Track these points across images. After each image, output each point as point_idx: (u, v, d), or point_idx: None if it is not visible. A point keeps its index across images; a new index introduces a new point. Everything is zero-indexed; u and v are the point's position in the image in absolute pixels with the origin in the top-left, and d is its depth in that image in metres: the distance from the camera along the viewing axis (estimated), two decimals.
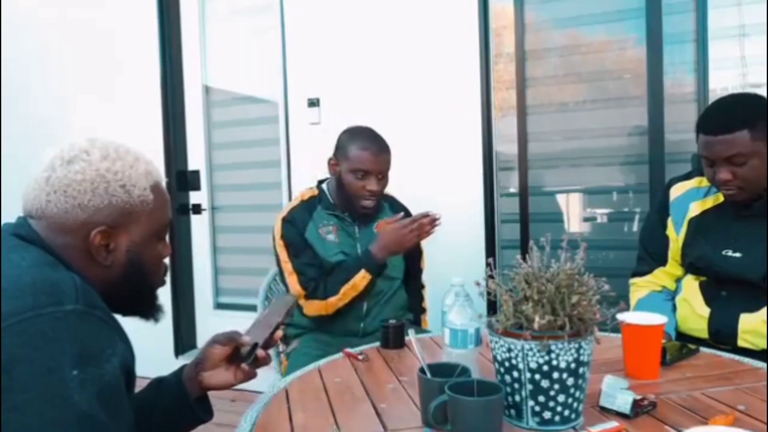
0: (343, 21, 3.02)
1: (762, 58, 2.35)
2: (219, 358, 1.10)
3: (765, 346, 1.50)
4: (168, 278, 1.32)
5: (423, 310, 2.13)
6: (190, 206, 3.54)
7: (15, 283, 0.81)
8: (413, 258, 2.10)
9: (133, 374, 0.91)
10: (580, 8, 2.73)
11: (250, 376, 1.11)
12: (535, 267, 1.02)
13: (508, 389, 1.02)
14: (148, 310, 1.05)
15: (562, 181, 2.83)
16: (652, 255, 1.78)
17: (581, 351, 0.99)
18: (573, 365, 0.98)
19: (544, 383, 0.98)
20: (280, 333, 1.16)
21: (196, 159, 3.54)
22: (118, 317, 0.92)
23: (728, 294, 1.59)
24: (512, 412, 1.03)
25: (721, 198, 1.62)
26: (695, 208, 1.68)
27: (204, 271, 3.57)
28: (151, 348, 2.13)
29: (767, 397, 1.12)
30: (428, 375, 1.04)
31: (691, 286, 1.67)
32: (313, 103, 3.08)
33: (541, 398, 0.99)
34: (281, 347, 1.97)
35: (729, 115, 1.52)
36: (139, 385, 0.99)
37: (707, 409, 1.08)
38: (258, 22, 3.35)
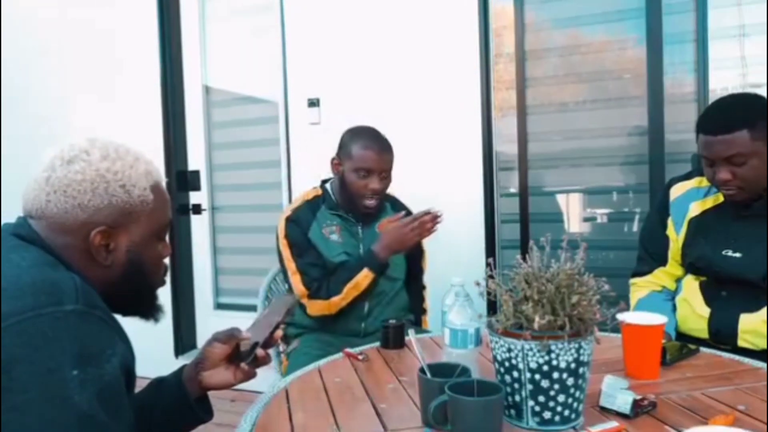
0: (343, 21, 3.02)
1: (762, 58, 2.35)
2: (219, 358, 1.10)
3: (765, 346, 1.50)
4: (168, 278, 1.33)
5: (424, 311, 2.13)
6: (190, 206, 3.54)
7: (15, 283, 0.81)
8: (415, 258, 2.10)
9: (133, 374, 0.91)
10: (580, 8, 2.73)
11: (250, 375, 1.11)
12: (535, 267, 1.02)
13: (508, 389, 1.02)
14: (148, 310, 1.05)
15: (562, 181, 2.83)
16: (652, 255, 1.78)
17: (581, 351, 0.99)
18: (573, 365, 0.98)
19: (544, 383, 0.98)
20: (280, 333, 1.16)
21: (196, 159, 3.54)
22: (118, 317, 0.92)
23: (728, 294, 1.59)
24: (512, 412, 1.03)
25: (721, 198, 1.62)
26: (695, 208, 1.68)
27: (204, 271, 3.57)
28: (151, 348, 2.13)
29: (767, 397, 1.12)
30: (428, 375, 1.04)
31: (691, 286, 1.67)
32: (313, 103, 3.08)
33: (541, 398, 0.99)
34: (281, 347, 1.97)
35: (729, 115, 1.52)
36: (139, 385, 0.99)
37: (707, 409, 1.08)
38: (258, 22, 3.35)
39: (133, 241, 0.95)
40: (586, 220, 2.83)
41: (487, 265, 1.09)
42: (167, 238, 1.05)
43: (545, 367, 0.98)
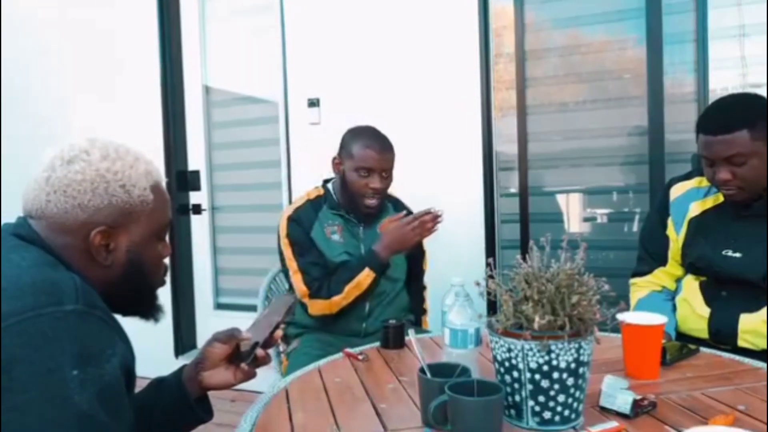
0: (343, 21, 3.02)
1: (762, 58, 2.35)
2: (219, 358, 1.10)
3: (765, 346, 1.50)
4: (168, 278, 1.32)
5: (424, 311, 2.13)
6: (190, 206, 3.54)
7: (15, 283, 0.81)
8: (416, 259, 2.10)
9: (133, 374, 0.91)
10: (580, 8, 2.73)
11: (250, 375, 1.11)
12: (535, 267, 1.02)
13: (508, 389, 1.02)
14: (148, 310, 1.05)
15: (562, 181, 2.83)
16: (652, 255, 1.78)
17: (581, 351, 0.99)
18: (573, 365, 0.98)
19: (544, 383, 0.98)
20: (280, 332, 1.16)
21: (196, 159, 3.54)
22: (118, 317, 0.92)
23: (728, 294, 1.59)
24: (512, 412, 1.03)
25: (721, 198, 1.62)
26: (695, 208, 1.68)
27: (204, 271, 3.57)
28: (151, 348, 2.13)
29: (767, 397, 1.12)
30: (428, 375, 1.04)
31: (691, 286, 1.67)
32: (313, 103, 3.08)
33: (541, 398, 0.99)
34: (281, 347, 1.97)
35: (729, 115, 1.52)
36: (139, 385, 0.99)
37: (707, 409, 1.08)
38: (258, 22, 3.35)
39: (133, 241, 0.95)
40: (586, 220, 2.83)
41: (487, 265, 1.09)
42: (167, 238, 1.05)
43: (545, 367, 0.98)
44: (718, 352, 1.44)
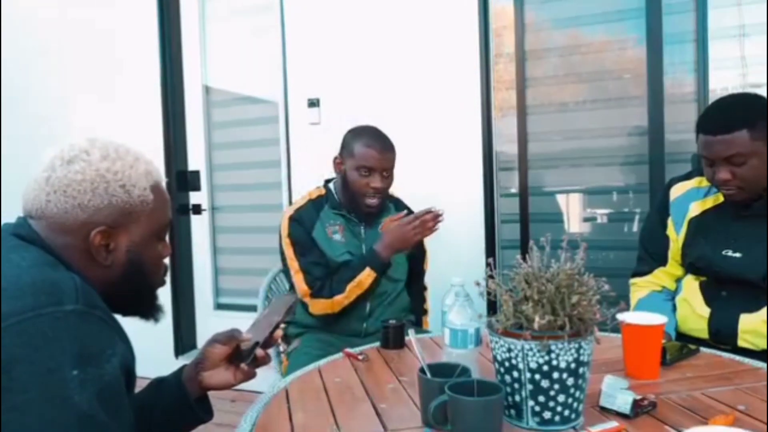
0: (343, 21, 3.02)
1: (762, 58, 2.35)
2: (219, 358, 1.10)
3: (765, 346, 1.50)
4: (168, 278, 1.32)
5: (425, 312, 2.13)
6: (190, 206, 3.54)
7: (15, 283, 0.81)
8: (417, 259, 2.10)
9: (133, 374, 0.91)
10: (580, 8, 2.73)
11: (250, 375, 1.11)
12: (535, 267, 1.02)
13: (508, 389, 1.02)
14: (148, 310, 1.05)
15: (562, 181, 2.83)
16: (652, 255, 1.78)
17: (581, 351, 0.99)
18: (573, 365, 0.98)
19: (544, 383, 0.98)
20: (279, 332, 1.16)
21: (196, 159, 3.54)
22: (118, 317, 0.92)
23: (728, 294, 1.59)
24: (512, 412, 1.03)
25: (721, 198, 1.62)
26: (695, 208, 1.68)
27: (204, 271, 3.57)
28: (151, 348, 2.13)
29: (767, 397, 1.12)
30: (428, 375, 1.04)
31: (691, 286, 1.67)
32: (313, 103, 3.08)
33: (541, 398, 0.99)
34: (282, 347, 1.97)
35: (728, 115, 1.52)
36: (139, 385, 0.99)
37: (707, 409, 1.08)
38: (258, 22, 3.35)
39: (133, 241, 0.95)
40: (586, 220, 2.83)
41: (487, 265, 1.09)
42: (167, 238, 1.05)
43: (545, 367, 0.98)
44: (718, 352, 1.44)
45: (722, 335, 1.57)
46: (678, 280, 1.74)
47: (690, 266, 1.68)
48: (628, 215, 2.74)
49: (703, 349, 1.44)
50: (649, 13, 2.56)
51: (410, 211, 2.07)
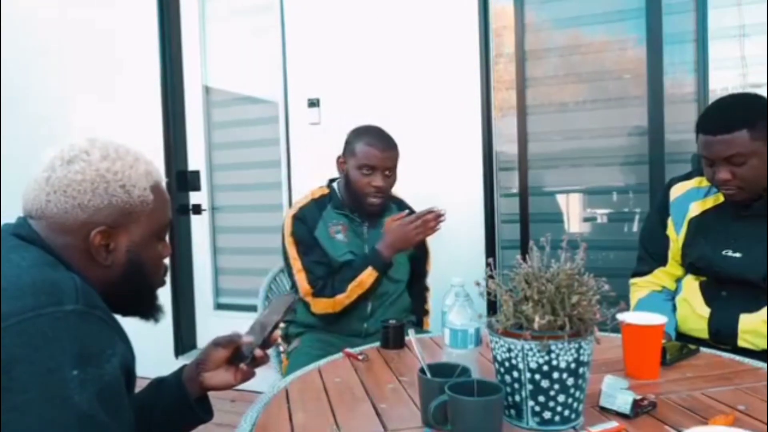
0: (343, 21, 3.02)
1: (762, 58, 2.35)
2: (220, 359, 1.10)
3: (765, 346, 1.50)
4: (168, 278, 1.32)
5: (426, 312, 2.13)
6: (190, 206, 3.54)
7: (15, 283, 0.81)
8: (419, 260, 2.10)
9: (133, 374, 0.91)
10: (580, 8, 2.73)
11: (249, 375, 1.11)
12: (535, 267, 1.02)
13: (508, 389, 1.02)
14: (148, 310, 1.05)
15: (562, 181, 2.83)
16: (652, 255, 1.78)
17: (581, 351, 0.99)
18: (573, 365, 0.98)
19: (544, 383, 0.98)
20: (278, 332, 1.16)
21: (196, 159, 3.54)
22: (118, 317, 0.92)
23: (728, 294, 1.59)
24: (512, 412, 1.03)
25: (721, 198, 1.63)
26: (695, 208, 1.68)
27: (204, 272, 3.57)
28: (151, 348, 2.13)
29: (767, 397, 1.12)
30: (428, 375, 1.04)
31: (691, 286, 1.67)
32: (313, 103, 3.08)
33: (541, 398, 0.99)
34: (282, 346, 1.97)
35: (728, 115, 1.52)
36: (139, 385, 0.99)
37: (707, 409, 1.08)
38: (258, 22, 3.35)
39: (133, 241, 0.95)
40: (586, 220, 2.83)
41: (487, 265, 1.09)
42: (167, 238, 1.05)
43: (545, 367, 0.98)
44: (718, 352, 1.44)
45: (722, 335, 1.57)
46: (678, 280, 1.74)
47: (690, 266, 1.68)
48: (628, 215, 2.74)
49: (703, 349, 1.44)
50: (649, 13, 2.56)
51: (412, 211, 2.07)
